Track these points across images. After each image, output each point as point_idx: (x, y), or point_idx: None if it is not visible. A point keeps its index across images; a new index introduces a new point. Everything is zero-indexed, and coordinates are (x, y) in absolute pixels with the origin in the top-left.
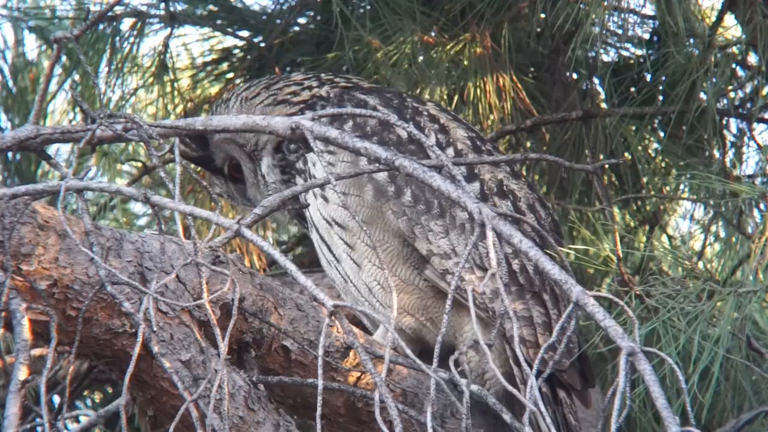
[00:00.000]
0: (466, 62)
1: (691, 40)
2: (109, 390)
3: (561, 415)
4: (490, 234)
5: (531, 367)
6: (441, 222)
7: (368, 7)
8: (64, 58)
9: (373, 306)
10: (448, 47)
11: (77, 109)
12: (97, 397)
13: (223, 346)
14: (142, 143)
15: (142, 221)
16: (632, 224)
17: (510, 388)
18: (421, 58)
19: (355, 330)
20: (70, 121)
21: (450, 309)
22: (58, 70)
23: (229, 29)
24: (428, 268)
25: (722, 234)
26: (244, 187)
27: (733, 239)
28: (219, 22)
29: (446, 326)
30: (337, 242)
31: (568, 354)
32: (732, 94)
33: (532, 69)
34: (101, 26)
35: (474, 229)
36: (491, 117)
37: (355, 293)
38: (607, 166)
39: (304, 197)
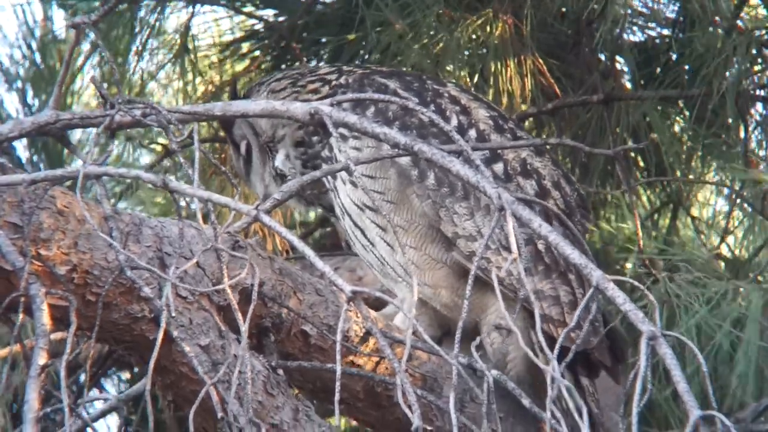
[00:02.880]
0: (487, 42)
1: (717, 21)
2: (136, 369)
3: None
4: (510, 219)
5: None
6: (465, 204)
7: None
8: (92, 35)
9: (411, 285)
10: (468, 22)
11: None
12: (125, 376)
13: (245, 331)
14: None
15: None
16: (657, 204)
17: (536, 359)
18: (441, 35)
19: (374, 315)
20: (98, 100)
21: (471, 291)
22: (85, 47)
23: (252, 7)
24: (455, 250)
25: (746, 217)
26: (251, 168)
27: (757, 223)
28: (242, 1)
29: (471, 307)
30: (369, 226)
31: (594, 332)
32: (757, 76)
33: (556, 50)
34: (123, 6)
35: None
36: (514, 98)
37: (393, 275)
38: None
39: (332, 185)
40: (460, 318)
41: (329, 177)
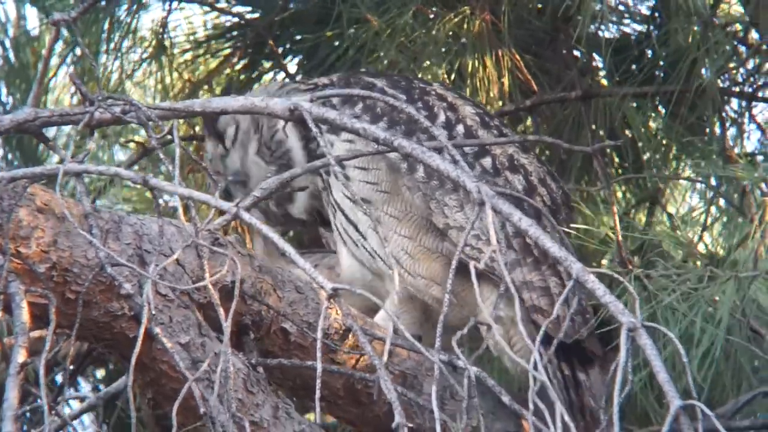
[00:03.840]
0: (464, 39)
1: (693, 17)
2: (111, 367)
3: (579, 400)
4: (489, 212)
5: (551, 339)
6: (455, 197)
7: None
8: (65, 33)
9: (402, 276)
10: (446, 19)
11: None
12: (99, 374)
13: (227, 328)
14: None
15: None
16: (633, 202)
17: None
18: (418, 32)
19: (354, 312)
20: (72, 96)
21: (464, 286)
22: (59, 45)
23: (227, 4)
24: (446, 241)
25: (723, 213)
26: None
27: (738, 219)
28: None
29: (465, 302)
30: (362, 219)
31: (584, 323)
32: (733, 72)
33: (533, 46)
34: (101, 4)
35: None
36: (491, 94)
37: (384, 268)
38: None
39: (326, 182)
40: (454, 313)
41: (323, 175)
